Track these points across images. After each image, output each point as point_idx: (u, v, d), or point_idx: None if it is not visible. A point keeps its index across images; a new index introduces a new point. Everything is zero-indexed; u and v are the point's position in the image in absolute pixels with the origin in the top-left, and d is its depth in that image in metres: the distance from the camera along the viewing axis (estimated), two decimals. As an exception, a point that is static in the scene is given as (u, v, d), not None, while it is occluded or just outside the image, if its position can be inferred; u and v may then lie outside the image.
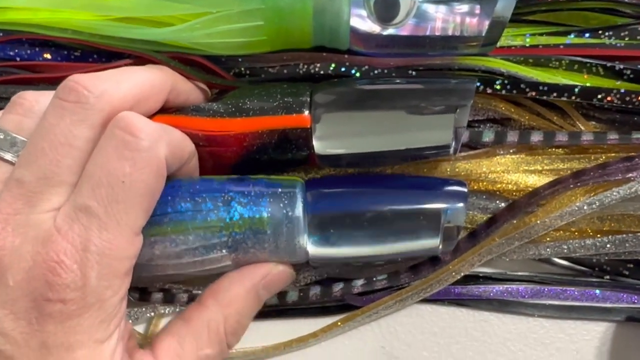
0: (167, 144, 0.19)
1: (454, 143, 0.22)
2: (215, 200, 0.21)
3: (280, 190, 0.22)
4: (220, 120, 0.22)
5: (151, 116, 0.22)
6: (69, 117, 0.19)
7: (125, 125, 0.19)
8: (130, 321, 0.26)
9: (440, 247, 0.23)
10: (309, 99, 0.22)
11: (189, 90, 0.24)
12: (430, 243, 0.23)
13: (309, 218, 0.22)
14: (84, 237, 0.18)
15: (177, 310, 0.26)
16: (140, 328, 0.27)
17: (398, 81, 0.23)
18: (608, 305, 0.26)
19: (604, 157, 0.25)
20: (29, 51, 0.26)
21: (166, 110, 0.23)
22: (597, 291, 0.26)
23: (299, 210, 0.21)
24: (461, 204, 0.22)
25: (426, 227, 0.22)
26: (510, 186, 0.26)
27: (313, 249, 0.22)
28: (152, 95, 0.21)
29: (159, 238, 0.21)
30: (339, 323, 0.26)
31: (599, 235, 0.25)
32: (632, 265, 0.26)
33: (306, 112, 0.22)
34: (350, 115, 0.22)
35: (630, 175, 0.24)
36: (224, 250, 0.21)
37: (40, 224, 0.18)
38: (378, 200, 0.22)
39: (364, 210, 0.22)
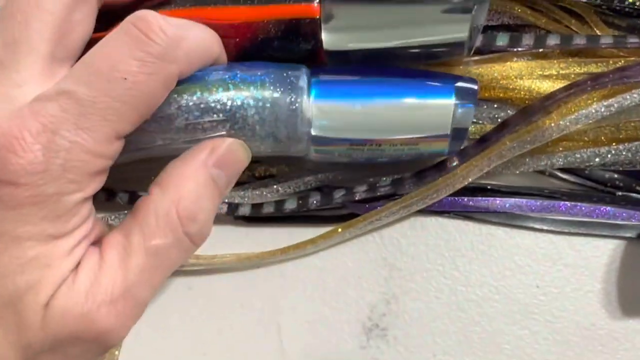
0: (185, 54, 0.18)
1: (468, 42, 0.21)
2: (217, 67, 0.20)
3: (284, 68, 0.20)
4: (222, 9, 0.21)
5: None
6: None
7: (142, 23, 0.17)
8: (112, 223, 0.25)
9: (448, 146, 0.22)
10: None
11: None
12: (439, 133, 0.21)
13: (313, 99, 0.20)
14: (58, 119, 0.16)
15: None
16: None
17: None
18: (619, 222, 0.25)
19: (622, 62, 0.24)
20: None
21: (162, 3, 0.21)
22: (609, 207, 0.25)
23: (302, 83, 0.20)
24: (472, 103, 0.21)
25: (435, 120, 0.21)
26: (522, 93, 0.24)
27: (316, 123, 0.20)
28: None
29: None
30: (339, 229, 0.24)
31: (614, 144, 0.24)
32: (645, 181, 0.25)
33: (315, 1, 0.21)
34: (363, 7, 0.21)
35: (650, 78, 0.23)
36: (220, 115, 0.19)
37: (11, 98, 0.17)
38: (386, 88, 0.21)
39: (369, 94, 0.21)
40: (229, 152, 0.20)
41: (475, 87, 0.22)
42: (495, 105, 0.25)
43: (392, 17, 0.21)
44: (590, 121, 0.22)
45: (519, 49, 0.25)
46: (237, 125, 0.19)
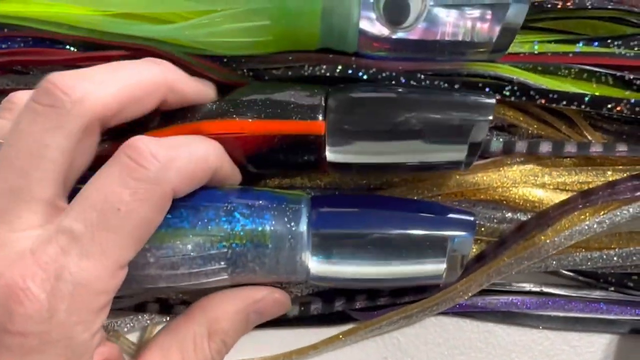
0: (177, 173, 0.18)
1: (467, 159, 0.22)
2: (217, 210, 0.20)
3: (285, 204, 0.21)
4: (229, 122, 0.21)
5: (155, 126, 0.21)
6: (42, 124, 0.17)
7: (133, 152, 0.17)
8: (126, 329, 0.25)
9: (444, 275, 0.22)
10: (324, 104, 0.21)
11: (192, 89, 0.22)
12: (435, 269, 0.22)
13: (313, 235, 0.21)
14: (59, 263, 0.16)
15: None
16: (134, 337, 0.26)
17: (415, 91, 0.23)
18: (612, 317, 0.26)
19: (611, 171, 0.25)
20: (22, 44, 0.24)
21: (169, 116, 0.22)
22: (602, 303, 0.26)
23: (303, 226, 0.20)
24: (469, 234, 0.22)
25: (432, 253, 0.21)
26: (517, 199, 0.25)
27: (315, 266, 0.21)
28: (144, 96, 0.19)
29: (154, 245, 0.19)
30: (341, 336, 0.25)
31: (606, 250, 0.25)
32: (636, 277, 0.26)
33: (320, 118, 0.21)
34: (366, 130, 0.21)
35: (638, 193, 0.24)
36: (222, 263, 0.20)
37: (12, 243, 0.17)
38: (384, 222, 0.22)
39: (369, 231, 0.21)
40: (273, 305, 0.21)
41: (472, 218, 0.22)
42: (491, 207, 0.26)
43: (394, 139, 0.22)
44: (584, 237, 0.23)
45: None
46: (238, 269, 0.20)
